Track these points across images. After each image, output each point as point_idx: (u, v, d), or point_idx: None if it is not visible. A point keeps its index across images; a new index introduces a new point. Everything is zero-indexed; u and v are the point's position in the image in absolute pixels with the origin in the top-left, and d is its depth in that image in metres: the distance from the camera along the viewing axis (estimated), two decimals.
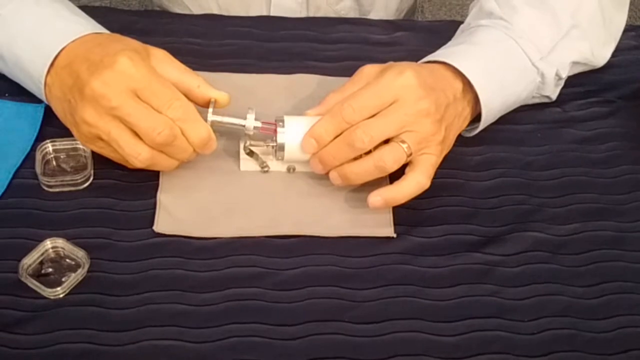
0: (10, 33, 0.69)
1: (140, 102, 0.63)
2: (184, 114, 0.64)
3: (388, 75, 0.66)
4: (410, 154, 0.66)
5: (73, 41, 0.67)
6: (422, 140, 0.66)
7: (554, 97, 0.79)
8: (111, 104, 0.62)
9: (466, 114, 0.72)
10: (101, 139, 0.64)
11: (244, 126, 0.68)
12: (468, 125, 0.74)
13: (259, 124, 0.69)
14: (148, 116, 0.62)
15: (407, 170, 0.67)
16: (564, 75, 0.77)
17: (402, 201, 0.67)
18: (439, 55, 0.73)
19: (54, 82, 0.67)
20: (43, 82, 0.67)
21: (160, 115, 0.63)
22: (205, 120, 0.66)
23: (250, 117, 0.68)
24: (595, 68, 0.83)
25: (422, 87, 0.66)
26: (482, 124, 0.74)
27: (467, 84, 0.71)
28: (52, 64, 0.67)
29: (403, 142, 0.65)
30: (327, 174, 0.68)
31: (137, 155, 0.64)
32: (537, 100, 0.79)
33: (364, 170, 0.66)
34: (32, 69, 0.68)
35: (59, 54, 0.66)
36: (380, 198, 0.66)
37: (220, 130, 0.69)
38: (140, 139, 0.63)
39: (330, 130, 0.66)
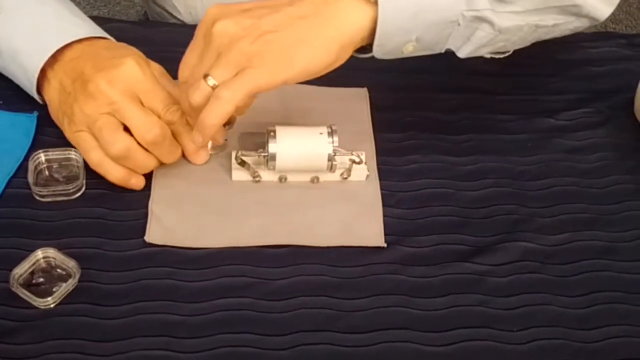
0: (10, 27, 0.72)
1: (139, 103, 0.66)
2: (182, 118, 0.68)
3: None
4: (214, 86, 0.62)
5: (80, 41, 0.70)
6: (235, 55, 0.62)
7: (495, 23, 0.68)
8: (111, 99, 0.65)
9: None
10: (86, 132, 0.66)
11: None
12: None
13: None
14: (143, 115, 0.66)
15: None
16: None
17: (214, 120, 0.63)
18: None
19: (55, 76, 0.70)
20: (37, 76, 0.70)
21: (155, 117, 0.66)
22: None
23: None
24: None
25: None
26: (380, 12, 0.63)
27: None
28: (56, 59, 0.69)
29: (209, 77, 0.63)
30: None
31: (113, 142, 0.65)
32: (479, 32, 0.68)
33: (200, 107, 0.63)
34: (28, 63, 0.70)
35: (63, 49, 0.69)
36: (196, 132, 0.64)
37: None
38: (124, 134, 0.65)
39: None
